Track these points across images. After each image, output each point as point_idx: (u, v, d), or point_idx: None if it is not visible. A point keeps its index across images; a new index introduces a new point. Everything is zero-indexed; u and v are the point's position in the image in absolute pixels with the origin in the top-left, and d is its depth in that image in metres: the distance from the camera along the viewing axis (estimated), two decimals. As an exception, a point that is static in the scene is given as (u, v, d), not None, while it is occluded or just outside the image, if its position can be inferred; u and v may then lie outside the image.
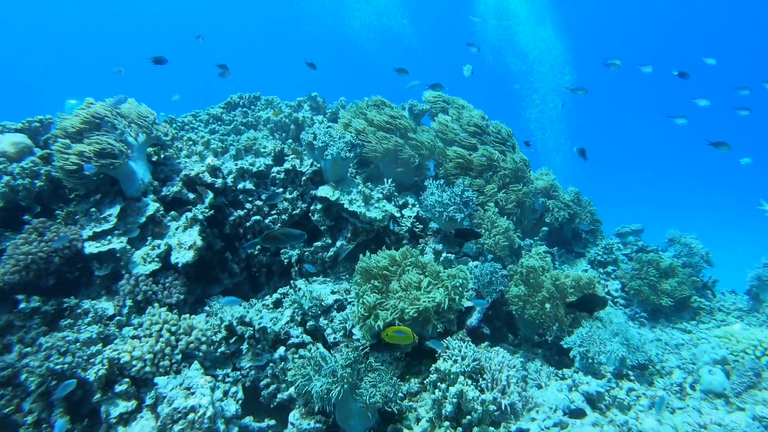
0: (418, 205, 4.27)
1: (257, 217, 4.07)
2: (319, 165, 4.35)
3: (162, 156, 4.23)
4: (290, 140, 5.32)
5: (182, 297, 3.38)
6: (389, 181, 4.19)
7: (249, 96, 6.42)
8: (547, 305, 3.23)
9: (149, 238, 3.53)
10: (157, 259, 3.42)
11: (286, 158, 4.50)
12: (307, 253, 4.14)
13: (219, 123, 5.91)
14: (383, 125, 4.60)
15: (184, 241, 3.54)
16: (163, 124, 4.16)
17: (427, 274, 3.02)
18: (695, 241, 4.97)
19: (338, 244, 4.04)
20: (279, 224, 4.19)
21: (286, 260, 4.12)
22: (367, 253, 3.27)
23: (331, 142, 4.14)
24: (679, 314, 4.50)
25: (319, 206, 4.17)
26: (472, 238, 3.41)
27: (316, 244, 4.15)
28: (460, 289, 2.99)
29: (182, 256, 3.43)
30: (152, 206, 3.70)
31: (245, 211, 4.08)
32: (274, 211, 4.21)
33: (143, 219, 3.61)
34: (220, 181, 4.02)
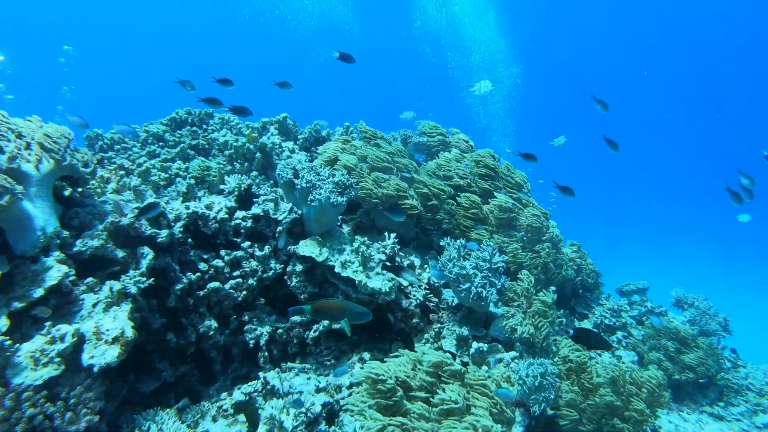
0: (428, 268, 3.43)
1: (215, 284, 2.98)
2: (300, 212, 3.37)
3: (78, 192, 3.02)
4: (254, 172, 4.28)
5: (96, 419, 2.21)
6: (392, 236, 3.31)
7: (199, 112, 5.26)
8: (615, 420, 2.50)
9: (47, 323, 2.33)
10: (57, 360, 2.23)
11: (255, 200, 3.46)
12: (281, 330, 3.11)
13: (161, 145, 4.70)
14: (380, 164, 3.74)
15: (105, 327, 2.38)
16: (84, 151, 2.98)
17: (471, 394, 2.15)
18: (709, 305, 4.62)
19: (324, 322, 3.06)
20: (245, 291, 3.12)
21: (252, 341, 3.05)
22: (372, 360, 2.34)
23: (318, 182, 3.20)
24: (703, 393, 4.02)
25: (299, 267, 3.18)
26: (601, 348, 2.64)
27: (293, 319, 3.13)
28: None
29: (101, 355, 2.27)
30: (56, 270, 2.50)
31: (198, 274, 2.98)
32: (237, 273, 3.14)
33: (40, 291, 2.40)
34: (164, 233, 2.89)
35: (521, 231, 3.69)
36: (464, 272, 2.89)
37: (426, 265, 3.51)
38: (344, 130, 5.05)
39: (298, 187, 3.21)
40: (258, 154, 4.26)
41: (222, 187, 3.65)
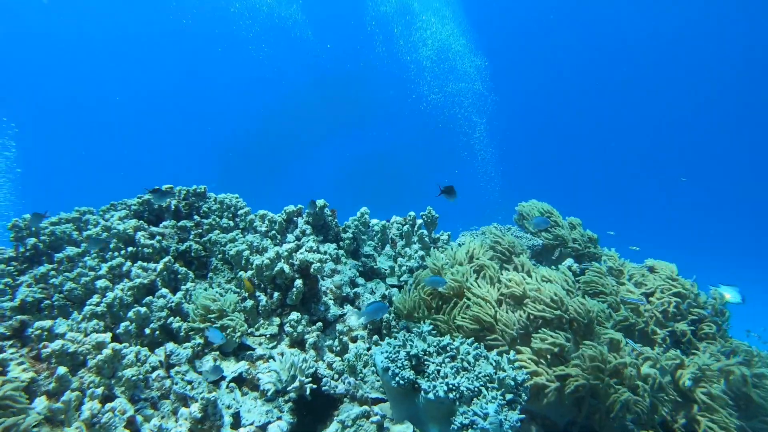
0: None
1: None
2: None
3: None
4: (294, 314, 2.71)
5: None
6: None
7: (186, 192, 3.57)
8: None
9: None
10: None
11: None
12: None
13: (127, 253, 2.96)
14: (581, 319, 2.31)
15: None
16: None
17: None
18: None
19: None
20: None
21: None
22: None
23: (474, 387, 1.72)
24: None
25: None
26: None
27: None
28: None
29: None
30: None
31: None
32: None
33: None
34: None
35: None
36: None
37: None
38: (409, 224, 3.56)
39: (429, 397, 1.71)
40: (298, 282, 2.68)
41: (259, 360, 2.05)
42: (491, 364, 1.97)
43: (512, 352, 2.23)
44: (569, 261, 3.46)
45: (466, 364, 1.92)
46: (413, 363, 1.84)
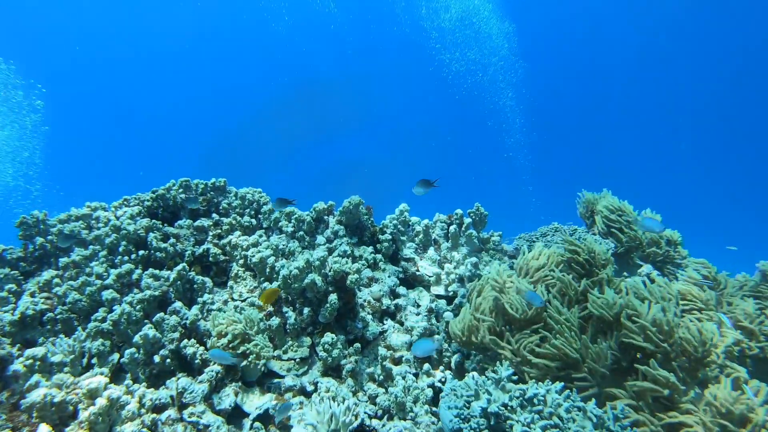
0: None
1: None
2: None
3: None
4: (329, 337, 2.31)
5: None
6: None
7: (204, 185, 3.20)
8: None
9: None
10: None
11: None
12: None
13: (138, 258, 2.60)
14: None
15: None
16: None
17: None
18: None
19: None
20: None
21: None
22: None
23: None
24: None
25: None
26: None
27: None
28: None
29: None
30: None
31: None
32: None
33: None
34: None
35: None
36: None
37: None
38: (456, 223, 3.07)
39: None
40: (332, 297, 2.25)
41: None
42: (590, 418, 1.50)
43: (608, 402, 1.75)
44: (647, 268, 2.92)
45: (557, 420, 1.46)
46: (491, 423, 1.39)
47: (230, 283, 2.67)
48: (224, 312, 2.14)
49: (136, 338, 1.97)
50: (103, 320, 2.20)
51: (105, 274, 2.48)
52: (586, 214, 3.35)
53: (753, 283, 2.66)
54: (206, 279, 2.58)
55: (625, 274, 3.01)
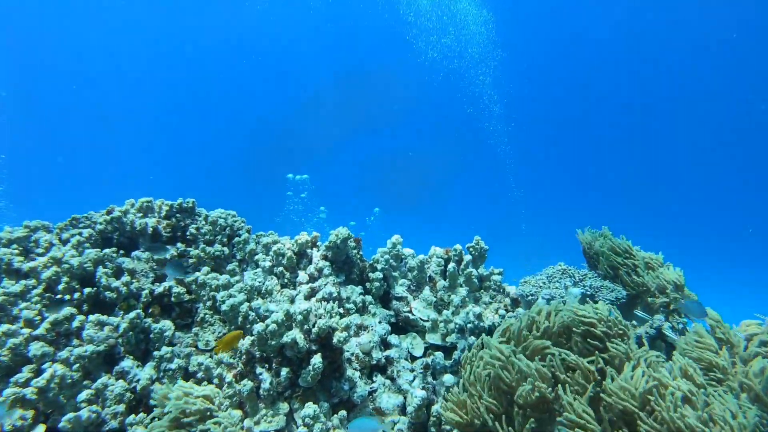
0: None
1: None
2: None
3: None
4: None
5: None
6: None
7: (171, 205, 2.77)
8: None
9: None
10: None
11: None
12: None
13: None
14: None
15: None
16: None
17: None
18: None
19: None
20: None
21: None
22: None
23: None
24: None
25: None
26: None
27: None
28: None
29: None
30: None
31: None
32: None
33: None
34: None
35: None
36: None
37: None
38: (454, 260, 2.75)
39: None
40: (316, 359, 1.89)
41: None
42: None
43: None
44: (659, 319, 2.68)
45: None
46: None
47: (195, 329, 2.27)
48: (177, 383, 1.74)
49: (63, 423, 1.56)
50: (26, 384, 1.77)
51: (37, 318, 2.04)
52: (591, 253, 3.11)
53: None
54: (165, 324, 2.17)
55: (634, 323, 2.78)
